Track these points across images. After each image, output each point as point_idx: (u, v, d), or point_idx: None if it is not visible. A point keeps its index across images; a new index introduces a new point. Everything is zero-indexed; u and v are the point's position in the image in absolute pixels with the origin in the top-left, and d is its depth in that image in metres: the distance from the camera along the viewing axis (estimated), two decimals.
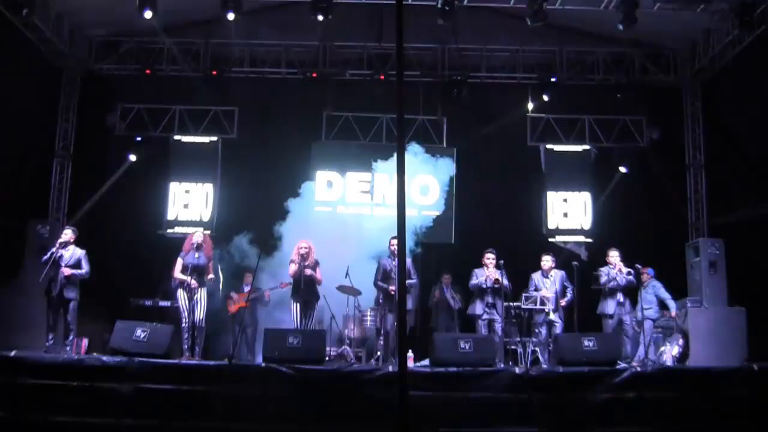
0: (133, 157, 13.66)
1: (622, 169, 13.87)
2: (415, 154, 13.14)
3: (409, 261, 10.64)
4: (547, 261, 10.76)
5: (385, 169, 13.48)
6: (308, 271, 9.94)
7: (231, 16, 11.73)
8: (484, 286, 10.34)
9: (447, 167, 13.62)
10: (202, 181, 14.24)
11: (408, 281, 10.20)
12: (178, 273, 9.80)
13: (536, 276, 10.79)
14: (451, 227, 13.83)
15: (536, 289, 10.60)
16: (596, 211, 14.16)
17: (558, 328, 10.38)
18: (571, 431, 7.63)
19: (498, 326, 10.27)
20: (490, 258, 10.43)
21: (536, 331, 10.59)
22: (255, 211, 13.15)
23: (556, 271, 10.70)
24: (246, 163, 13.89)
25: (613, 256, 10.51)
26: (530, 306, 10.51)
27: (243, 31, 13.17)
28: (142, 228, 13.62)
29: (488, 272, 10.34)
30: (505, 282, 10.24)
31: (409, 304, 10.45)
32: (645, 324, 10.31)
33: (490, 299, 10.32)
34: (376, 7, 12.74)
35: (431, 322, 12.49)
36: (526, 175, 14.31)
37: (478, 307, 10.38)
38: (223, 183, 14.19)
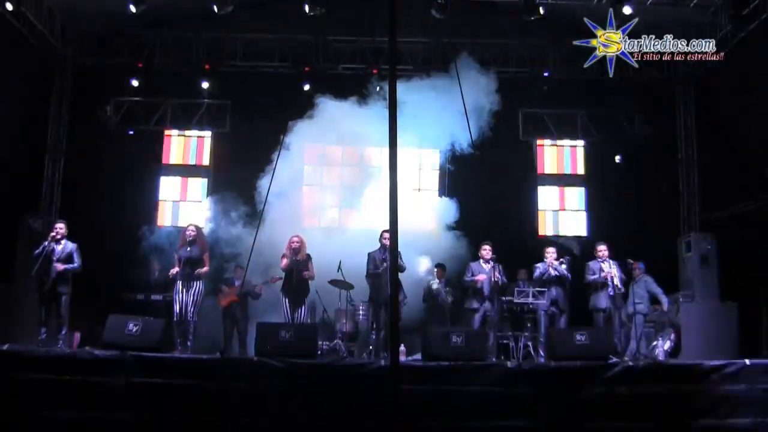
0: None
1: (617, 159, 13.90)
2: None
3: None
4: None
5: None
6: (306, 274, 10.02)
7: (222, 10, 11.68)
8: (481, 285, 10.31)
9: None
10: (194, 175, 14.24)
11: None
12: (174, 267, 9.82)
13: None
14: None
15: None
16: (589, 206, 14.19)
17: (561, 322, 10.36)
18: (562, 425, 7.64)
19: (493, 320, 10.28)
20: (486, 249, 10.41)
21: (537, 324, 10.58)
22: (247, 205, 13.09)
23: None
24: (239, 156, 13.85)
25: (601, 250, 10.45)
26: (522, 300, 10.55)
27: (236, 25, 13.12)
28: (134, 221, 13.55)
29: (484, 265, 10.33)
30: (498, 273, 10.17)
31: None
32: (636, 318, 10.30)
33: (487, 293, 10.31)
34: (368, 1, 12.68)
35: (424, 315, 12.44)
36: (518, 169, 14.33)
37: (474, 301, 10.37)
38: (215, 177, 14.17)
